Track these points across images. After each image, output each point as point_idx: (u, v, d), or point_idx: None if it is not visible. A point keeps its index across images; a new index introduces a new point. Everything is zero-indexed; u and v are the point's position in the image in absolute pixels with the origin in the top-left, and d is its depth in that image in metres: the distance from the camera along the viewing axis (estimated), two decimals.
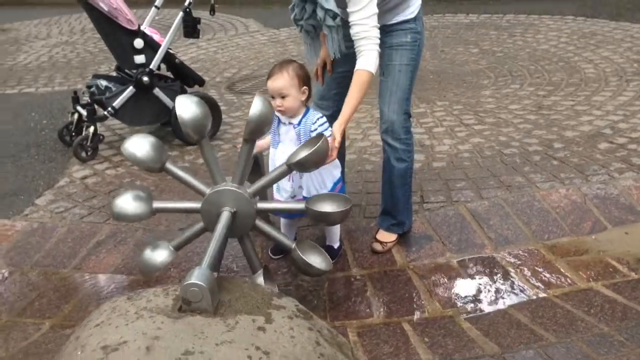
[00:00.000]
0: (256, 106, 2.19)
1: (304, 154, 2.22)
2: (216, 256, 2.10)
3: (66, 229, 3.20)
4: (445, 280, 2.71)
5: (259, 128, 2.23)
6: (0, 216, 3.34)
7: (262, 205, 2.38)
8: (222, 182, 2.30)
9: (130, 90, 3.92)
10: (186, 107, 2.19)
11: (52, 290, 2.82)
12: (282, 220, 2.83)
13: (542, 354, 2.19)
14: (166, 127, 4.23)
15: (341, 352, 1.89)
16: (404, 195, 2.82)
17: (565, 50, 5.66)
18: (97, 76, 4.30)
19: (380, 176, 2.89)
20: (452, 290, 2.66)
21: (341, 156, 2.94)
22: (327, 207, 2.29)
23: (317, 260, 2.38)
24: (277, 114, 2.51)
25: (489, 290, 2.64)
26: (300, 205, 2.35)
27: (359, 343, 2.36)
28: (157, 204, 2.38)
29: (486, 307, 2.55)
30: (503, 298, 2.59)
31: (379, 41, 2.44)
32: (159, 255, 2.38)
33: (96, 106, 3.98)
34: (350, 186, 3.31)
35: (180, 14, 3.93)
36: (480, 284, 2.68)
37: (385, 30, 2.53)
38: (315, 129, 2.49)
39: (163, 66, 4.10)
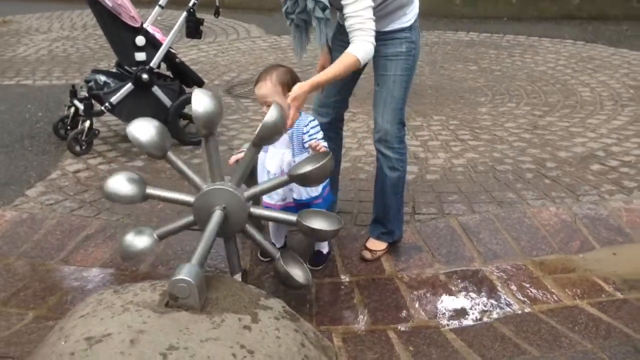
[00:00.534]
0: (272, 114, 2.19)
1: (308, 168, 2.22)
2: (205, 254, 2.10)
3: (55, 221, 3.19)
4: (433, 291, 2.72)
5: (270, 135, 2.24)
6: None
7: (254, 210, 2.38)
8: (220, 181, 2.30)
9: (128, 86, 3.92)
10: (202, 100, 2.19)
11: (37, 282, 2.81)
12: (271, 225, 2.85)
13: None
14: None
15: (325, 355, 1.89)
16: (395, 204, 2.83)
17: (563, 72, 5.72)
18: (96, 71, 4.30)
19: (373, 185, 2.90)
20: (439, 301, 2.66)
21: (336, 163, 2.95)
22: (318, 224, 2.30)
23: (298, 273, 2.40)
24: None
25: (475, 303, 2.65)
26: (292, 218, 2.35)
27: (344, 349, 2.35)
28: (150, 190, 2.36)
29: (472, 320, 2.56)
30: (489, 311, 2.60)
31: (374, 33, 2.40)
32: (142, 241, 2.36)
33: (93, 101, 3.98)
34: (343, 193, 3.32)
35: (184, 13, 3.94)
36: (467, 297, 2.69)
37: (380, 39, 2.50)
38: (307, 132, 2.51)
39: (163, 65, 4.11)
